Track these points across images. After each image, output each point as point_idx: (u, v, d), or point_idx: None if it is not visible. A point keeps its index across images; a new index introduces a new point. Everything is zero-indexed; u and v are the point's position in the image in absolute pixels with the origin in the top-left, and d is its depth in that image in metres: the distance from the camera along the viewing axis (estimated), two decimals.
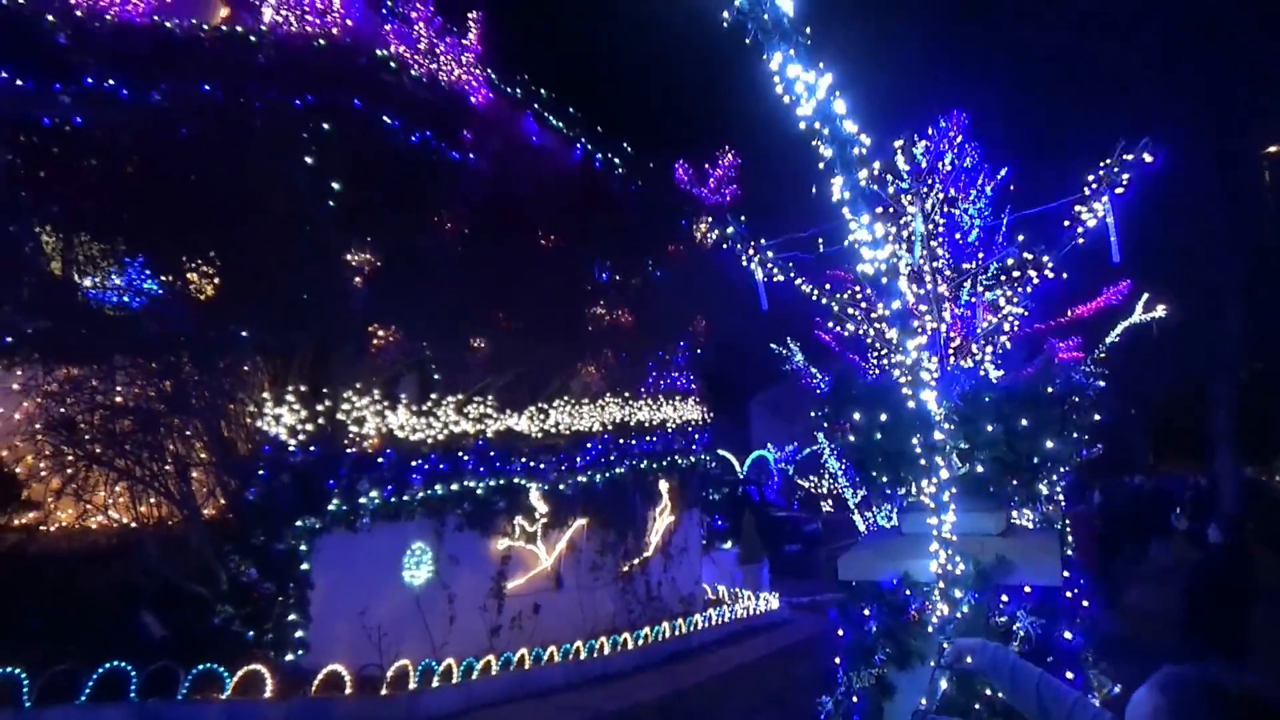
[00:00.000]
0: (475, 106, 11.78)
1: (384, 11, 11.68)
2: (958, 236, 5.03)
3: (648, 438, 13.69)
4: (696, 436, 15.19)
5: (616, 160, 17.15)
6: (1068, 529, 13.20)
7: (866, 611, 4.12)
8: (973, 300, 4.62)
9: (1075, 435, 4.21)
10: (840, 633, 4.19)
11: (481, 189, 11.57)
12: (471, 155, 11.71)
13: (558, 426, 11.84)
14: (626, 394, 13.54)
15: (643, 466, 13.39)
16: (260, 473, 8.00)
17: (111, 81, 9.09)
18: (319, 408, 8.54)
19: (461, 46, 11.83)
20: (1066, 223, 4.40)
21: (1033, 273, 4.52)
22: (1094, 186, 4.19)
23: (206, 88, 9.30)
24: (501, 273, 10.90)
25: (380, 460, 8.76)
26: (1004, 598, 3.89)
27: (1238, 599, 8.63)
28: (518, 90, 15.81)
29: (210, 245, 8.81)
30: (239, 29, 9.85)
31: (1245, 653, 8.84)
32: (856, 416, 4.16)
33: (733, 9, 1.89)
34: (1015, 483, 4.12)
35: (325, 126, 9.90)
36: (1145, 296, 24.93)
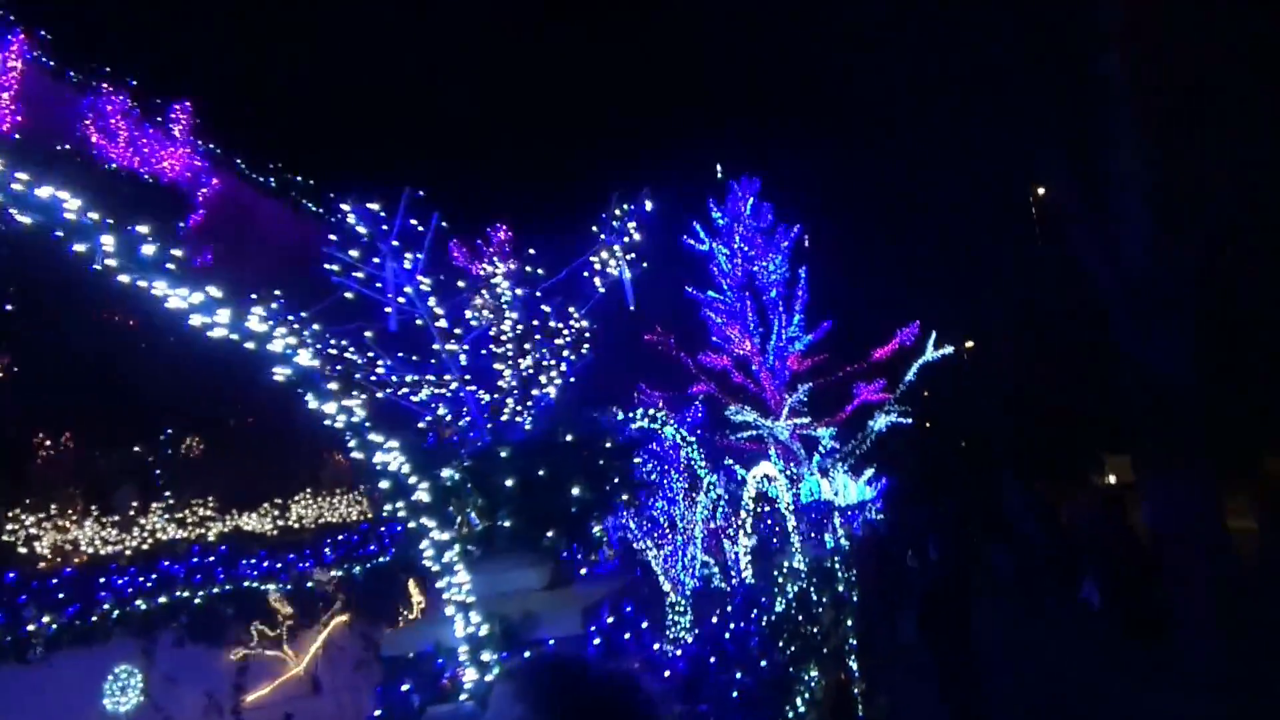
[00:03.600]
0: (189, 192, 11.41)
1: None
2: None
3: None
4: None
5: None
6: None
7: (406, 686, 3.95)
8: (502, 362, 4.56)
9: (617, 480, 4.23)
10: (377, 713, 3.98)
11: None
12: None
13: (302, 521, 11.28)
14: None
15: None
16: None
17: None
18: None
19: (171, 138, 11.45)
20: (586, 274, 4.48)
21: (559, 325, 4.55)
22: (601, 237, 4.30)
23: None
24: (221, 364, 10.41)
25: (54, 581, 8.04)
26: (527, 654, 3.80)
27: (956, 605, 9.35)
28: (271, 179, 15.48)
29: None
30: None
31: (969, 647, 9.39)
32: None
33: None
34: (551, 534, 4.08)
35: None
36: (934, 335, 26.33)
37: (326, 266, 3.67)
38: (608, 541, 4.29)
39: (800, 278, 25.46)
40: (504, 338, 4.70)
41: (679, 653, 5.11)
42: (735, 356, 25.24)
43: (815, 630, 9.88)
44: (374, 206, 3.57)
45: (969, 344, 29.53)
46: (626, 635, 4.19)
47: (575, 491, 3.99)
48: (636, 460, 4.36)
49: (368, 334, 3.91)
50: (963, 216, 26.20)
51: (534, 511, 3.98)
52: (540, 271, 5.07)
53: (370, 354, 3.95)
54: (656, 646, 4.44)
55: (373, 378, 4.02)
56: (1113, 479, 27.46)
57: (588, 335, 4.65)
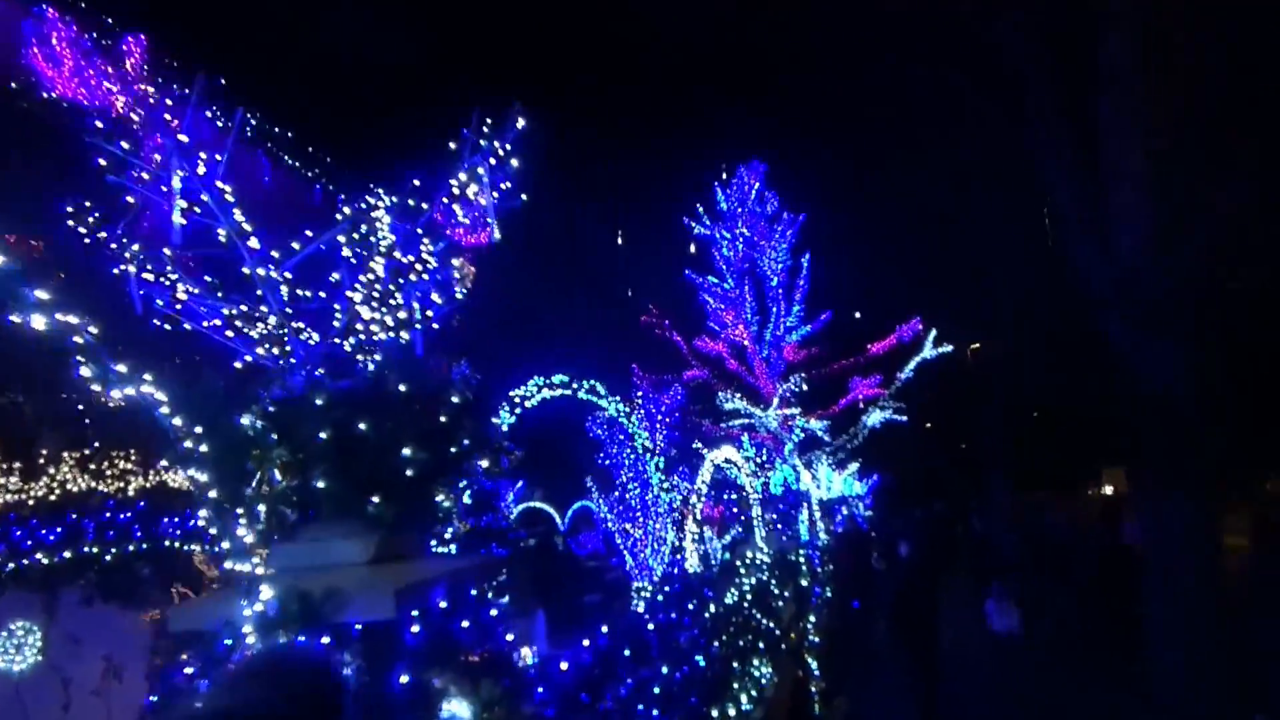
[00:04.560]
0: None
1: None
2: None
3: None
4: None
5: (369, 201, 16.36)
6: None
7: (190, 669, 3.37)
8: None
9: (468, 441, 3.62)
10: (153, 699, 3.41)
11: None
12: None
13: None
14: None
15: None
16: None
17: None
18: None
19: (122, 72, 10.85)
20: (445, 199, 3.86)
21: (408, 257, 3.92)
22: (465, 156, 3.68)
23: None
24: None
25: None
26: (325, 639, 3.21)
27: (924, 602, 9.61)
28: (249, 131, 14.89)
29: None
30: None
31: (936, 648, 9.55)
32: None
33: None
34: (377, 500, 3.46)
35: None
36: (934, 333, 25.49)
37: (100, 162, 3.06)
38: (458, 514, 3.67)
39: (802, 266, 24.78)
40: (371, 279, 4.09)
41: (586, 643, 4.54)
42: (731, 343, 24.61)
43: (772, 625, 9.24)
44: (149, 89, 2.95)
45: (974, 346, 28.77)
46: (465, 624, 3.60)
47: (407, 452, 3.38)
48: (498, 420, 3.74)
49: (165, 251, 3.30)
50: (972, 213, 25.35)
51: (354, 473, 3.37)
52: (425, 206, 4.44)
53: (171, 275, 3.34)
54: (511, 637, 3.84)
55: (177, 307, 3.41)
56: (1108, 490, 26.80)
57: (459, 276, 4.03)
